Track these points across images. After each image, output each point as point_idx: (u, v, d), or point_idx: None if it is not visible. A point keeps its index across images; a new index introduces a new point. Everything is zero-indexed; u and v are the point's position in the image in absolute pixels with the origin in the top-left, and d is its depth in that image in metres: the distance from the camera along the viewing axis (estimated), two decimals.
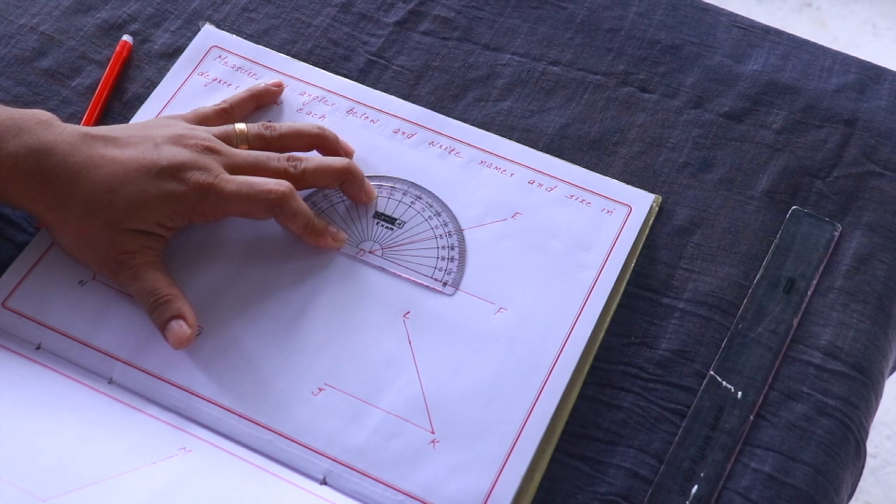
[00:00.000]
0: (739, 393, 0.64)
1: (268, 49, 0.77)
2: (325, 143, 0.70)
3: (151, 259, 0.64)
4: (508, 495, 0.60)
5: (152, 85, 0.75)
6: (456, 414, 0.63)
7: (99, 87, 0.74)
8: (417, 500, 0.60)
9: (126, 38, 0.77)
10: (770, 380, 0.65)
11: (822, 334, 0.67)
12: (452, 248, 0.69)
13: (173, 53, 0.77)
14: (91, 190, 0.63)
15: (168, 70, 0.76)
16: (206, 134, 0.67)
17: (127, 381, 0.63)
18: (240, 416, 0.62)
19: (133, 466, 0.59)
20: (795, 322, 0.67)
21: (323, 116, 0.74)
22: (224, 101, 0.72)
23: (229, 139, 0.68)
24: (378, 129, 0.74)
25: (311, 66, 0.76)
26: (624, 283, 0.68)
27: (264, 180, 0.65)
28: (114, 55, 0.76)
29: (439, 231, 0.69)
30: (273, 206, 0.65)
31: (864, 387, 0.66)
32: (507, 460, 0.61)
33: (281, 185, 0.65)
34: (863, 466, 0.67)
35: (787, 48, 0.79)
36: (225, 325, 0.65)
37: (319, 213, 0.69)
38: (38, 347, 0.64)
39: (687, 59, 0.78)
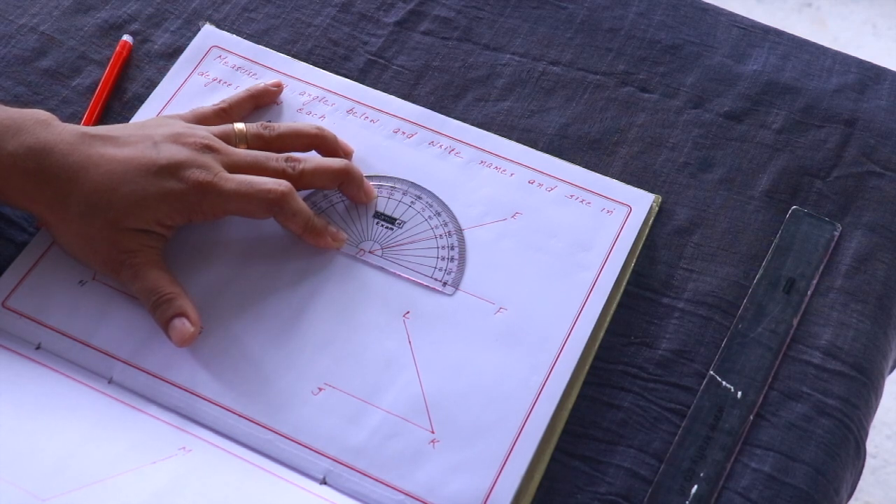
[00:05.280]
0: (739, 393, 0.64)
1: (268, 49, 0.77)
2: (324, 143, 0.70)
3: (152, 258, 0.64)
4: (508, 495, 0.60)
5: (152, 85, 0.75)
6: (456, 414, 0.63)
7: (99, 87, 0.74)
8: (417, 499, 0.60)
9: (126, 38, 0.77)
10: (770, 380, 0.65)
11: (822, 334, 0.67)
12: (452, 248, 0.69)
13: (173, 53, 0.77)
14: (90, 189, 0.63)
15: (168, 70, 0.76)
16: (205, 133, 0.67)
17: (127, 380, 0.63)
18: (240, 415, 0.62)
19: (133, 466, 0.59)
20: (795, 322, 0.67)
21: (323, 116, 0.74)
22: (223, 101, 0.72)
23: (228, 139, 0.68)
24: (378, 129, 0.73)
25: (311, 66, 0.76)
26: (624, 283, 0.68)
27: (264, 179, 0.65)
28: (114, 55, 0.76)
29: (439, 231, 0.69)
30: (272, 205, 0.65)
31: (864, 387, 0.66)
32: (506, 460, 0.61)
33: (281, 184, 0.65)
34: (863, 466, 0.67)
35: (787, 48, 0.79)
36: (225, 324, 0.65)
37: (319, 213, 0.69)
38: (38, 347, 0.64)
39: (687, 59, 0.78)
